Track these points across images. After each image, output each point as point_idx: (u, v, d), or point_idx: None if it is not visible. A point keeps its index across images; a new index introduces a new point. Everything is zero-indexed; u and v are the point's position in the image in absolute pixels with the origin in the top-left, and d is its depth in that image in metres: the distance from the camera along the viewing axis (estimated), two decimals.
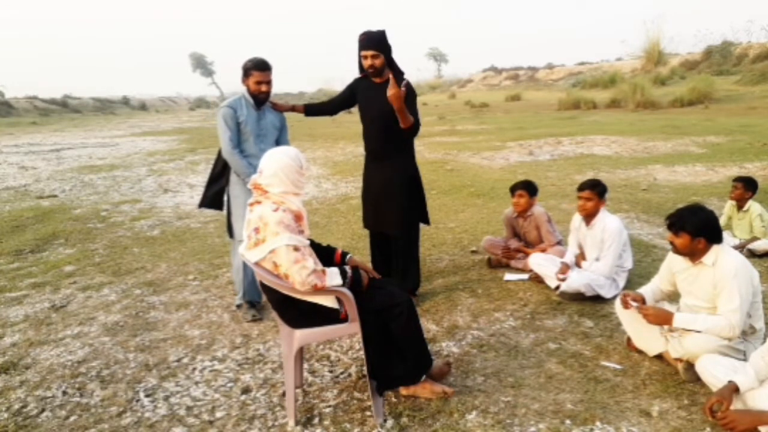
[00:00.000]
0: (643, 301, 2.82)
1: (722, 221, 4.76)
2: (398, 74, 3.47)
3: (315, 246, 2.54)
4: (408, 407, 2.53)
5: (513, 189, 4.37)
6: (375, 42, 3.42)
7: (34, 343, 3.39)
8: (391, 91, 3.23)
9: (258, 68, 3.41)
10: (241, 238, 2.57)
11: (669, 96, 20.30)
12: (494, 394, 2.62)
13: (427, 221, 3.83)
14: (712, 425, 2.33)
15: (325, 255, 2.59)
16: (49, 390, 2.83)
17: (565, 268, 3.82)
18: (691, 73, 26.40)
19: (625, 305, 2.81)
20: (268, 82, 3.46)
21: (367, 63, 3.44)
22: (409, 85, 3.42)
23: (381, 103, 3.39)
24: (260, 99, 3.49)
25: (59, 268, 4.85)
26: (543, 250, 4.22)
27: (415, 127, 3.46)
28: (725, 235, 4.41)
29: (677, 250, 2.68)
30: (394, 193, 3.60)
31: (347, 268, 2.45)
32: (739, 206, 4.68)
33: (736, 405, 2.24)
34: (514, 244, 4.44)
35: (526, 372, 2.83)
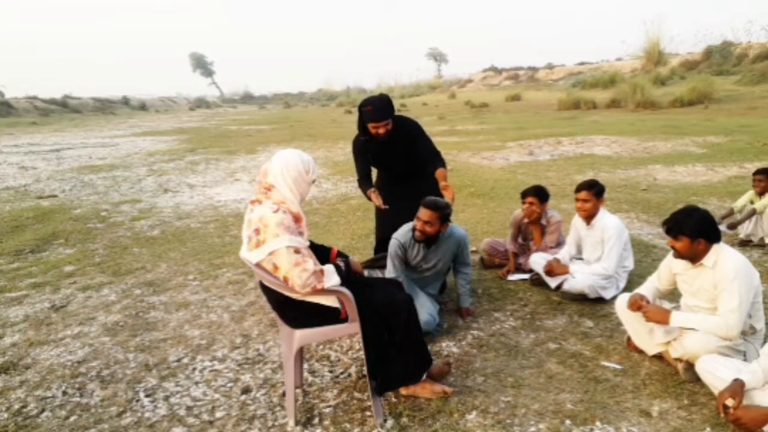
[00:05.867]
0: (647, 301, 2.82)
1: (740, 202, 4.87)
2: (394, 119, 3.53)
3: (311, 246, 2.54)
4: (408, 407, 2.53)
5: (523, 195, 4.20)
6: (387, 112, 3.43)
7: (34, 343, 3.39)
8: (450, 196, 3.29)
9: (423, 205, 3.21)
10: None
11: (669, 96, 20.31)
12: (494, 394, 2.62)
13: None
14: (713, 425, 2.33)
15: (322, 255, 2.58)
16: (49, 390, 2.83)
17: (556, 265, 3.80)
18: (691, 73, 26.41)
19: (638, 307, 2.78)
20: (427, 223, 3.13)
21: (381, 131, 3.43)
22: (415, 125, 3.66)
23: (396, 157, 3.63)
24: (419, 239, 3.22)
25: (59, 268, 4.85)
26: (544, 251, 4.21)
27: (440, 157, 3.61)
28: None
29: (679, 255, 2.66)
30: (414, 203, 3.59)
31: (339, 262, 2.46)
32: (761, 195, 4.76)
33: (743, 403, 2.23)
34: (513, 248, 4.39)
35: (526, 372, 2.83)
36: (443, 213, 3.11)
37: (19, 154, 14.58)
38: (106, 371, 3.01)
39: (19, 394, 2.80)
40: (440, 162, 3.55)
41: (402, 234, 3.29)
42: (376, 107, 3.42)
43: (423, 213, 3.11)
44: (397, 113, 3.57)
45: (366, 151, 3.70)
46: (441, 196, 3.73)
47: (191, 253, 5.21)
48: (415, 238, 3.19)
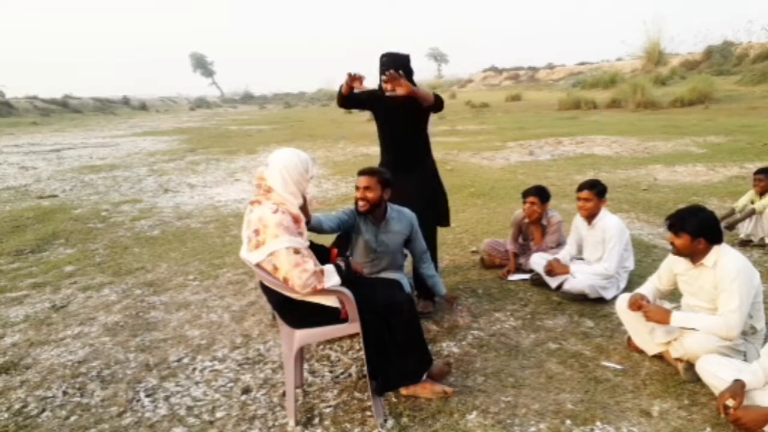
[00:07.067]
0: (647, 301, 2.82)
1: (741, 202, 4.86)
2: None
3: (311, 246, 2.54)
4: (408, 407, 2.53)
5: (525, 195, 4.22)
6: (399, 66, 3.22)
7: (34, 343, 3.39)
8: (400, 91, 3.10)
9: (359, 173, 3.13)
10: None
11: (669, 96, 20.30)
12: (494, 394, 2.62)
13: (447, 223, 3.79)
14: (713, 425, 2.33)
15: (322, 255, 2.58)
16: (49, 390, 2.83)
17: (556, 265, 3.80)
18: (692, 73, 26.40)
19: (639, 307, 2.78)
20: (367, 188, 3.04)
21: (388, 87, 3.23)
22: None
23: (403, 123, 3.42)
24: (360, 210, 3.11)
25: (59, 268, 4.86)
26: (544, 251, 4.21)
27: (439, 101, 3.33)
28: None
29: (678, 251, 2.67)
30: (424, 199, 3.53)
31: (340, 262, 2.45)
32: (761, 195, 4.75)
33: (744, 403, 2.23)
34: (513, 248, 4.39)
35: (527, 372, 2.83)
36: (381, 177, 3.05)
37: (19, 154, 14.59)
38: (107, 371, 3.01)
39: (20, 394, 2.80)
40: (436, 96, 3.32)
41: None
42: (390, 58, 3.29)
43: (361, 181, 3.03)
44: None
45: (373, 99, 3.45)
46: (439, 190, 3.72)
47: (191, 253, 5.21)
48: (359, 211, 3.08)
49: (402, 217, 3.21)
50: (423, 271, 3.36)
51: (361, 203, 3.04)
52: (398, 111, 3.39)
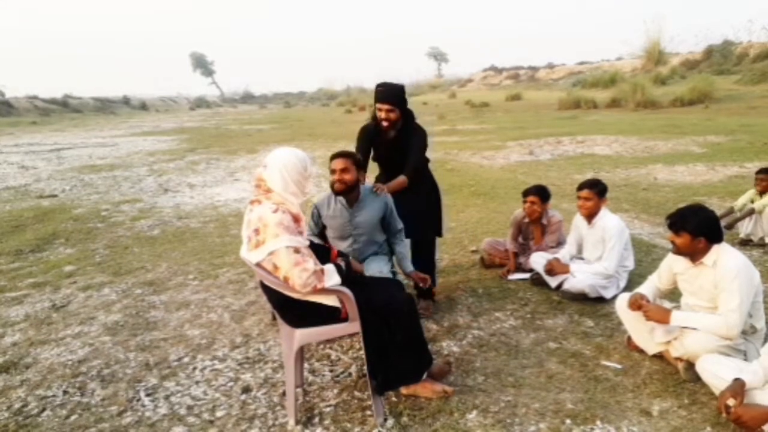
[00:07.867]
0: (647, 300, 2.82)
1: (741, 201, 4.85)
2: (410, 120, 3.50)
3: (311, 245, 2.54)
4: (408, 406, 2.53)
5: (525, 194, 4.22)
6: (393, 97, 3.38)
7: (34, 342, 3.39)
8: (378, 193, 3.25)
9: (333, 157, 3.15)
10: None
11: (669, 95, 20.32)
12: (494, 394, 2.62)
13: (440, 233, 3.80)
14: (713, 424, 2.33)
15: (322, 254, 2.58)
16: (49, 389, 2.83)
17: (556, 264, 3.80)
18: (692, 73, 26.43)
19: (638, 307, 2.78)
20: (343, 170, 3.08)
21: (382, 115, 3.39)
22: (422, 134, 3.51)
23: (397, 155, 3.50)
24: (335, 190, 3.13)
25: (59, 268, 4.86)
26: (544, 250, 4.21)
27: (416, 172, 3.48)
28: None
29: (678, 250, 2.67)
30: (421, 212, 3.58)
31: (340, 261, 2.45)
32: (762, 194, 4.75)
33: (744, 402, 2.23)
34: (513, 247, 4.38)
35: (527, 371, 2.83)
36: (356, 159, 3.11)
37: (19, 153, 14.59)
38: (107, 370, 3.01)
39: (20, 393, 2.80)
40: (408, 171, 3.44)
41: (319, 199, 3.34)
42: (386, 88, 3.42)
43: (336, 163, 3.07)
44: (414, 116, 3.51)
45: (371, 139, 3.60)
46: (437, 204, 3.73)
47: (191, 253, 5.21)
48: (334, 191, 3.12)
49: (376, 197, 3.26)
50: (395, 248, 3.38)
51: (337, 184, 3.08)
52: (392, 146, 3.51)
